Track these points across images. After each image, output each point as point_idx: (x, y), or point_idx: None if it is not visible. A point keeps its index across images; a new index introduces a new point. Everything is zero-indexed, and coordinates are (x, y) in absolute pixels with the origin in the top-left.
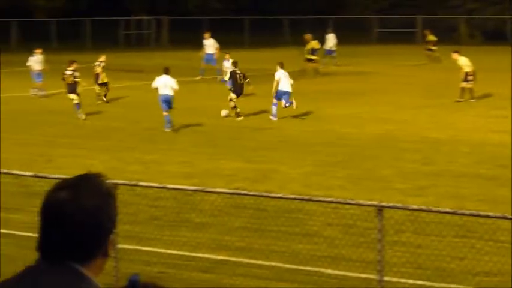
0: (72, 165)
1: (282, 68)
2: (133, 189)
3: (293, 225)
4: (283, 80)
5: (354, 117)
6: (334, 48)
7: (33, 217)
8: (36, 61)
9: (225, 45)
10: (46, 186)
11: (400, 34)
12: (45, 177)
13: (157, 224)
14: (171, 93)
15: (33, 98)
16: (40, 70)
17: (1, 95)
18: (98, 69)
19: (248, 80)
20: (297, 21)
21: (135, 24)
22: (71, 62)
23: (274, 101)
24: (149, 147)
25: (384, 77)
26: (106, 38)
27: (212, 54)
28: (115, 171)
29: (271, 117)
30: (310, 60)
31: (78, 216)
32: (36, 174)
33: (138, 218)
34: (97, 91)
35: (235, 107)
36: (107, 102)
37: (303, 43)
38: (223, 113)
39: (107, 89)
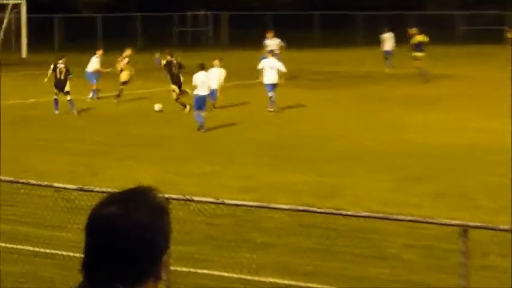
0: (119, 177)
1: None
2: (188, 204)
3: (367, 246)
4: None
5: (436, 125)
6: (389, 49)
7: (77, 235)
8: (96, 62)
9: (292, 44)
10: (92, 201)
11: (487, 32)
12: (91, 191)
13: (214, 244)
14: (206, 92)
15: (88, 101)
16: (96, 71)
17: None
18: (121, 66)
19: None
20: (372, 17)
21: (191, 21)
22: (61, 56)
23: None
24: (205, 158)
25: (470, 80)
26: (158, 36)
27: (277, 54)
28: (167, 184)
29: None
30: (416, 58)
31: (129, 234)
32: (80, 187)
33: (192, 237)
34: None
35: (177, 98)
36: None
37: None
38: (157, 107)
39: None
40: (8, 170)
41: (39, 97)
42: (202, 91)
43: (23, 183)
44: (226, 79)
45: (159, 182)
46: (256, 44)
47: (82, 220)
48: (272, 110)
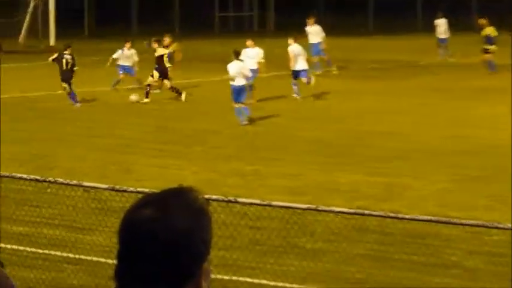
0: (155, 176)
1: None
2: (231, 206)
3: (426, 253)
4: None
5: (502, 119)
6: (445, 36)
7: (109, 239)
8: (125, 55)
9: (342, 30)
10: (125, 202)
11: None
12: (124, 191)
13: (259, 249)
14: (243, 83)
15: (119, 91)
16: (128, 64)
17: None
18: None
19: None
20: (433, 1)
21: (234, 5)
22: (67, 46)
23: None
24: (250, 156)
25: None
26: (197, 22)
27: (317, 44)
28: (208, 184)
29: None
30: (486, 50)
31: (166, 239)
32: (112, 187)
33: (236, 242)
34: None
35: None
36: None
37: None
38: (133, 97)
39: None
40: (33, 167)
41: (58, 88)
42: (238, 81)
43: (49, 181)
44: (270, 69)
45: (199, 181)
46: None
47: (114, 223)
48: (298, 97)
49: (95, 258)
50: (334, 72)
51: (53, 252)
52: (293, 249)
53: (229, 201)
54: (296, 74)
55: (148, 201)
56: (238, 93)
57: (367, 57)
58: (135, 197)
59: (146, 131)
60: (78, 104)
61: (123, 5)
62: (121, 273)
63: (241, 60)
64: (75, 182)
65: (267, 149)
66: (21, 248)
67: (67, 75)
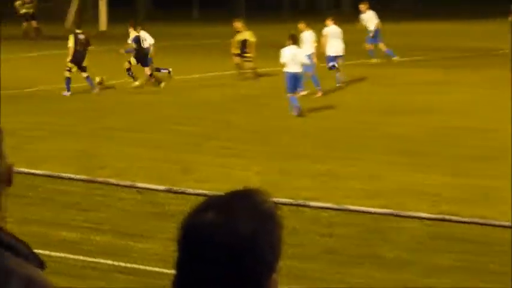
0: (217, 177)
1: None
2: (302, 211)
3: None
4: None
5: None
6: None
7: (165, 246)
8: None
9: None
10: (184, 205)
11: None
12: (182, 193)
13: (333, 259)
14: (299, 69)
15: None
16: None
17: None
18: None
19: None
20: None
21: None
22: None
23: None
24: (323, 155)
25: None
26: (263, 5)
27: (372, 31)
28: (275, 186)
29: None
30: None
31: (230, 247)
32: (169, 188)
33: (307, 251)
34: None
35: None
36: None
37: None
38: (96, 79)
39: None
40: (80, 166)
41: (118, 77)
42: (293, 68)
43: (99, 182)
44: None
45: (265, 183)
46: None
47: (171, 228)
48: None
49: (149, 268)
50: (394, 60)
51: (102, 261)
52: (371, 259)
53: (300, 205)
54: (331, 60)
55: (211, 204)
56: (292, 81)
57: (454, 44)
58: (195, 199)
59: (207, 126)
60: (96, 90)
61: None
62: (180, 282)
63: (298, 46)
64: (127, 183)
65: (340, 147)
66: (67, 255)
67: (78, 56)
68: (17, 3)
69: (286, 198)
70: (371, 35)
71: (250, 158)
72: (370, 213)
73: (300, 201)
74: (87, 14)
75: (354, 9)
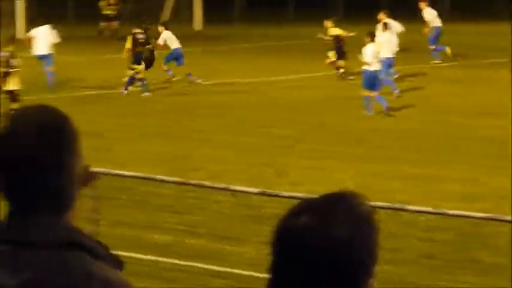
0: (311, 179)
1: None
2: (398, 214)
3: None
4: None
5: None
6: None
7: (260, 250)
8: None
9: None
10: (278, 208)
11: None
12: (276, 196)
13: (430, 264)
14: (378, 67)
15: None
16: None
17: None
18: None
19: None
20: None
21: None
22: (140, 25)
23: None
24: (417, 158)
25: None
26: (361, 5)
27: (436, 29)
28: (370, 189)
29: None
30: None
31: (325, 252)
32: (264, 191)
33: (404, 255)
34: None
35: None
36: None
37: None
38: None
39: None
40: (173, 168)
41: (212, 78)
42: (374, 66)
43: (193, 185)
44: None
45: (359, 185)
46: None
47: (266, 231)
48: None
49: (244, 272)
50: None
51: (196, 264)
52: (470, 264)
53: (397, 208)
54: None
55: (305, 208)
56: (371, 80)
57: None
58: (289, 202)
59: (299, 129)
60: (125, 92)
61: None
62: (275, 286)
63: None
64: (222, 185)
65: (434, 150)
66: (160, 259)
67: (138, 57)
68: (102, 3)
69: (380, 201)
70: (432, 35)
71: (343, 160)
72: (469, 217)
73: (398, 205)
74: (182, 14)
75: (453, 9)
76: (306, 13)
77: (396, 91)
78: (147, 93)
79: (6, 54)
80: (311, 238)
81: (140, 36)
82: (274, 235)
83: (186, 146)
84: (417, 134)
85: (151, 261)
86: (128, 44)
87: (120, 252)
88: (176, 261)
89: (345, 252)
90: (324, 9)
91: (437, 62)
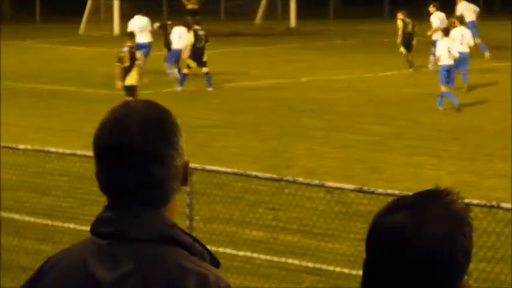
0: (408, 177)
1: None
2: (493, 212)
3: None
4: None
5: None
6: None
7: (354, 247)
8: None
9: None
10: (373, 205)
11: None
12: (372, 193)
13: None
14: (451, 62)
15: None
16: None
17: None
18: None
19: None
20: None
21: None
22: (198, 21)
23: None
24: None
25: None
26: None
27: (472, 23)
28: (466, 186)
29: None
30: None
31: (421, 248)
32: (359, 188)
33: (498, 254)
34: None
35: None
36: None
37: None
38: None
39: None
40: (268, 165)
41: (310, 74)
42: (447, 61)
43: (288, 181)
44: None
45: (455, 183)
46: None
47: (360, 228)
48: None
49: (338, 269)
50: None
51: (290, 261)
52: None
53: (492, 206)
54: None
55: (401, 205)
56: (446, 74)
57: None
58: (385, 199)
59: (395, 125)
60: (210, 88)
61: None
62: (370, 283)
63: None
64: (316, 182)
65: None
66: (254, 255)
67: (198, 53)
68: None
69: (477, 199)
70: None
71: (440, 157)
72: None
73: (493, 203)
74: (276, 10)
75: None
76: (400, 8)
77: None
78: (180, 88)
79: (127, 48)
80: (406, 235)
81: (201, 32)
82: (368, 232)
83: (283, 143)
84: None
85: (246, 257)
86: (191, 39)
87: (214, 248)
88: (270, 257)
89: (440, 251)
90: (418, 5)
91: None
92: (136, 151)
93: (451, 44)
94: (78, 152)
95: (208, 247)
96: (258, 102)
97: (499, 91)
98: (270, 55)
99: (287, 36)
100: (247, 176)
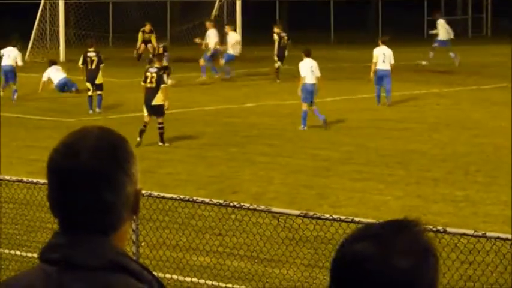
0: (354, 202)
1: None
2: (439, 237)
3: None
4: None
5: None
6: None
7: (300, 272)
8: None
9: None
10: (319, 231)
11: None
12: (318, 218)
13: (471, 287)
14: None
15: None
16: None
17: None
18: None
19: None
20: None
21: (445, 9)
22: (91, 44)
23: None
24: (460, 180)
25: None
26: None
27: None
28: (413, 211)
29: None
30: None
31: (387, 279)
32: (305, 213)
33: (445, 279)
34: None
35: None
36: None
37: None
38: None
39: None
40: (214, 190)
41: (255, 100)
42: (310, 80)
43: (234, 206)
44: (483, 80)
45: (402, 207)
46: None
47: (307, 254)
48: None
49: None
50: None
51: (237, 287)
52: None
53: (438, 231)
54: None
55: (367, 234)
56: (309, 94)
57: None
58: (330, 225)
59: (342, 150)
60: (99, 109)
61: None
62: None
63: None
64: (262, 207)
65: (478, 173)
66: (201, 281)
67: (92, 75)
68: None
69: (425, 224)
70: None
71: (386, 182)
72: (509, 240)
73: (439, 228)
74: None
75: (494, 35)
76: (346, 36)
77: None
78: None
79: (154, 70)
80: (371, 266)
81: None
82: (333, 260)
83: (230, 168)
84: (461, 157)
85: (193, 283)
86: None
87: (161, 274)
88: (217, 283)
89: (405, 283)
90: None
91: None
92: (87, 175)
93: (313, 63)
94: (25, 179)
95: (155, 273)
96: (205, 127)
97: (443, 115)
98: (216, 81)
99: (233, 62)
100: (194, 201)
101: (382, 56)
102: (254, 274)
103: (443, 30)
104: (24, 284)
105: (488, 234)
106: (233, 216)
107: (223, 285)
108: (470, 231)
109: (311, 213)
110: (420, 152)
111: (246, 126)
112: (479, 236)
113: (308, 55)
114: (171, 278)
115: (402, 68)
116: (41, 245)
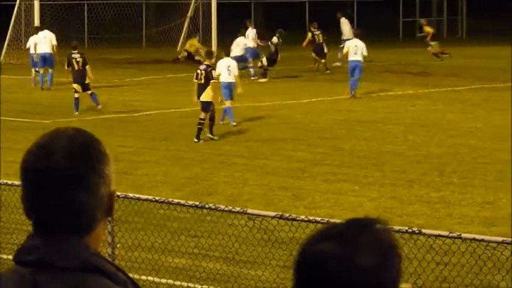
0: (329, 203)
1: None
2: (415, 238)
3: None
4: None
5: None
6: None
7: (276, 274)
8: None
9: None
10: (294, 232)
11: None
12: (293, 220)
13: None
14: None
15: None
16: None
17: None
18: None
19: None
20: None
21: (420, 10)
22: (75, 46)
23: None
24: (436, 181)
25: None
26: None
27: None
28: (388, 213)
29: None
30: None
31: (351, 279)
32: (281, 214)
33: (420, 280)
34: None
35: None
36: None
37: None
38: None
39: None
40: (189, 192)
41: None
42: (226, 78)
43: (210, 208)
44: (465, 81)
45: (377, 209)
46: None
47: (282, 256)
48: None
49: None
50: None
51: None
52: None
53: (413, 232)
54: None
55: (329, 234)
56: (228, 91)
57: None
58: (305, 226)
59: (317, 152)
60: (99, 106)
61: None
62: None
63: None
64: (238, 209)
65: (453, 174)
66: (177, 283)
67: (79, 76)
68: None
69: (398, 225)
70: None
71: (361, 183)
72: (486, 241)
73: (414, 229)
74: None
75: (469, 36)
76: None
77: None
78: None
79: (204, 67)
80: (335, 265)
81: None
82: (296, 260)
83: (205, 170)
84: (436, 158)
85: (168, 284)
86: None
87: (137, 276)
88: (193, 285)
89: (369, 281)
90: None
91: None
92: (60, 176)
93: (231, 62)
94: (0, 181)
95: (131, 275)
96: (180, 129)
97: (418, 117)
98: (191, 82)
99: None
100: (169, 203)
101: (354, 48)
102: (230, 276)
103: (346, 28)
104: None
105: (464, 235)
106: (208, 218)
107: (199, 286)
108: (446, 233)
109: (287, 215)
110: (395, 153)
111: (222, 128)
112: (455, 237)
113: (228, 54)
114: (147, 279)
115: (377, 68)
116: (16, 247)
